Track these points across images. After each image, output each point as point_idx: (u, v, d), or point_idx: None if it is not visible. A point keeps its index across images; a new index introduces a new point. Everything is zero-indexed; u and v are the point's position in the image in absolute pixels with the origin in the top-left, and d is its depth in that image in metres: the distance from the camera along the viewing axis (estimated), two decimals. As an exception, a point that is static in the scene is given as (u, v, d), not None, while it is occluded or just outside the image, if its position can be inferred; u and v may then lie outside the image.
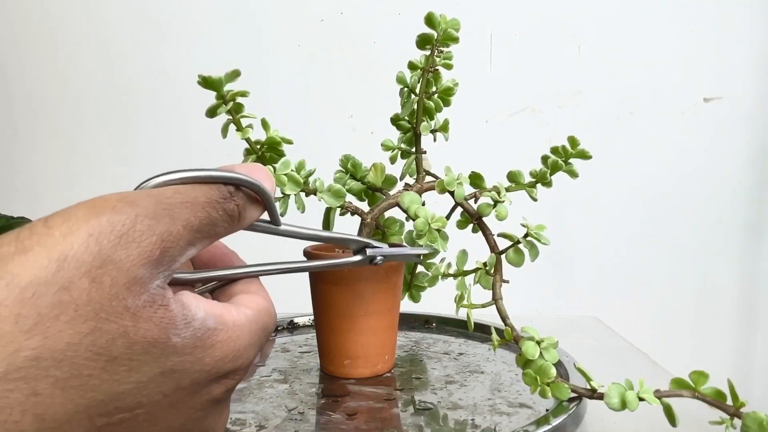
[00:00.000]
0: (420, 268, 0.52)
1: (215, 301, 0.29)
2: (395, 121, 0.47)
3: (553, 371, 0.40)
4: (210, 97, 0.43)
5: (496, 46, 1.12)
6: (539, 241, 0.43)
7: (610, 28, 1.11)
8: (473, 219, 0.45)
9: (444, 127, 0.48)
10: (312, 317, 0.66)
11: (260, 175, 0.31)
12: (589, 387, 0.40)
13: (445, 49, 0.43)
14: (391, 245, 0.50)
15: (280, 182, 0.45)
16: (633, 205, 1.12)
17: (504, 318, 0.44)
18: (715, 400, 0.36)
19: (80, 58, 1.12)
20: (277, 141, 0.45)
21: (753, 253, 1.12)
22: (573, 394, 0.41)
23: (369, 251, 0.40)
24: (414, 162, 0.48)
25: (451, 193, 0.45)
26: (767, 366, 1.13)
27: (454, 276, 0.47)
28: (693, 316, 1.13)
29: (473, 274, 0.46)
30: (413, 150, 0.47)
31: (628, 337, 0.67)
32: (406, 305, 0.53)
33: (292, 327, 0.64)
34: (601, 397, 0.38)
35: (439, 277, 0.48)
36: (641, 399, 0.37)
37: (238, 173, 0.29)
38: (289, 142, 0.46)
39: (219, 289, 0.33)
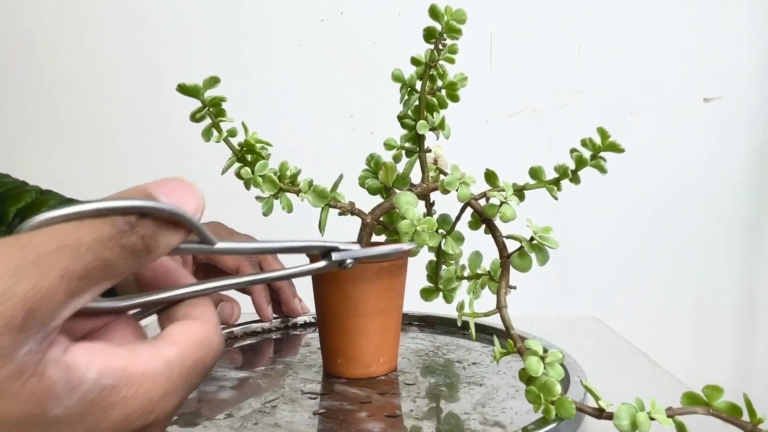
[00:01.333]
0: (443, 268, 0.50)
1: (119, 350, 0.24)
2: (401, 119, 0.46)
3: (558, 388, 0.37)
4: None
5: (496, 46, 1.11)
6: (545, 244, 0.40)
7: (610, 28, 1.10)
8: (482, 220, 0.43)
9: (441, 125, 0.46)
10: None
11: (179, 193, 0.26)
12: (597, 406, 0.37)
13: (449, 42, 0.41)
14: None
15: (256, 183, 0.45)
16: (633, 205, 1.12)
17: (508, 328, 0.40)
18: (732, 416, 0.34)
19: (81, 57, 1.12)
20: (252, 144, 0.45)
21: (753, 253, 1.12)
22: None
23: (335, 255, 0.37)
24: (416, 161, 0.47)
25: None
26: (767, 366, 1.13)
27: (468, 278, 0.45)
28: (693, 316, 1.13)
29: (479, 280, 0.44)
30: (418, 149, 0.47)
31: (628, 337, 0.67)
32: (447, 308, 0.52)
33: None
34: (610, 417, 0.36)
35: (453, 279, 0.46)
36: (652, 419, 0.34)
37: (141, 200, 0.24)
38: (269, 144, 0.46)
39: (164, 311, 0.30)
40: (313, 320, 0.64)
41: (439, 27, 0.41)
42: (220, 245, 0.30)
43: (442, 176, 0.46)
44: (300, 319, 0.64)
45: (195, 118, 0.44)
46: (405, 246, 0.41)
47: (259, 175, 0.45)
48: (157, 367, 0.25)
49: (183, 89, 0.42)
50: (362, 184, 0.48)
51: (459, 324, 0.45)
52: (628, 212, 1.12)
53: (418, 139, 0.46)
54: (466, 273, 0.45)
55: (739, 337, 1.13)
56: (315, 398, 0.44)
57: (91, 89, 1.12)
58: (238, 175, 0.46)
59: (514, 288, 0.42)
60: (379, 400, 0.44)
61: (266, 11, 1.10)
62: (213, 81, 0.42)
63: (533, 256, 0.41)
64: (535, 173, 0.42)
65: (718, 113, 1.10)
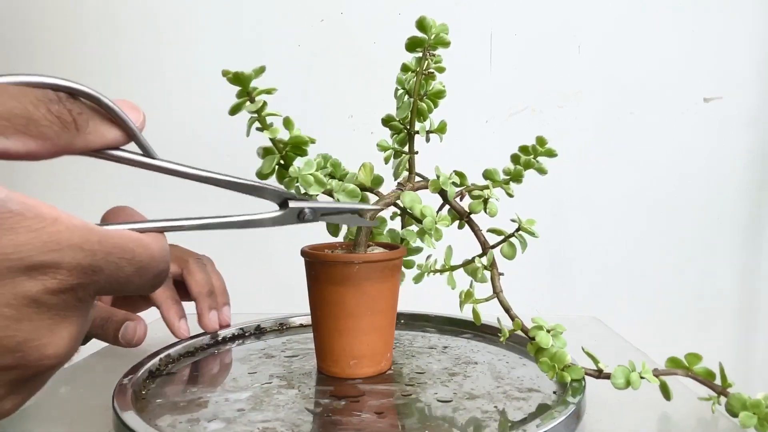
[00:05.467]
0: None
1: (37, 200, 0.25)
2: (387, 122, 0.49)
3: (569, 358, 0.43)
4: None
5: (496, 46, 1.12)
6: (531, 234, 0.46)
7: (610, 28, 1.11)
8: (463, 217, 0.48)
9: (441, 129, 0.49)
10: (297, 320, 0.66)
11: (120, 102, 0.29)
12: (596, 368, 0.43)
13: (436, 53, 0.45)
14: (381, 245, 0.51)
15: (306, 182, 0.44)
16: (633, 205, 1.13)
17: (507, 309, 0.46)
18: (706, 379, 0.42)
19: (81, 58, 1.12)
20: (304, 140, 0.44)
21: (753, 253, 1.12)
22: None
23: (293, 204, 0.35)
24: (406, 162, 0.49)
25: (443, 192, 0.47)
26: (767, 366, 1.13)
27: (441, 272, 0.49)
28: (693, 315, 1.14)
29: (464, 270, 0.48)
30: (405, 150, 0.49)
31: (627, 337, 0.67)
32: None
33: (259, 333, 0.62)
34: (607, 376, 0.42)
35: (426, 272, 0.50)
36: (642, 378, 0.41)
37: (73, 82, 0.27)
38: (313, 141, 0.45)
39: None
40: (240, 332, 0.61)
41: (426, 38, 0.44)
42: (163, 163, 0.31)
43: (417, 177, 0.50)
44: (227, 332, 0.60)
45: (239, 110, 0.42)
46: (367, 205, 0.42)
47: (309, 174, 0.44)
48: (76, 222, 0.26)
49: (236, 78, 0.40)
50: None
51: (462, 311, 0.49)
52: (628, 212, 1.13)
53: (409, 141, 0.48)
54: (438, 266, 0.49)
55: (739, 337, 1.13)
56: (357, 401, 0.44)
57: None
58: (277, 172, 0.44)
59: (502, 274, 0.47)
60: (417, 390, 0.46)
61: (266, 11, 1.11)
62: (260, 71, 0.40)
63: (518, 245, 0.47)
64: (489, 174, 0.49)
65: (718, 113, 1.10)
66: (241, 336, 0.61)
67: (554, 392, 0.45)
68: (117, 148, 0.30)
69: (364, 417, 0.41)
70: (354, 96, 1.13)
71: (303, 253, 0.48)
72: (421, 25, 0.43)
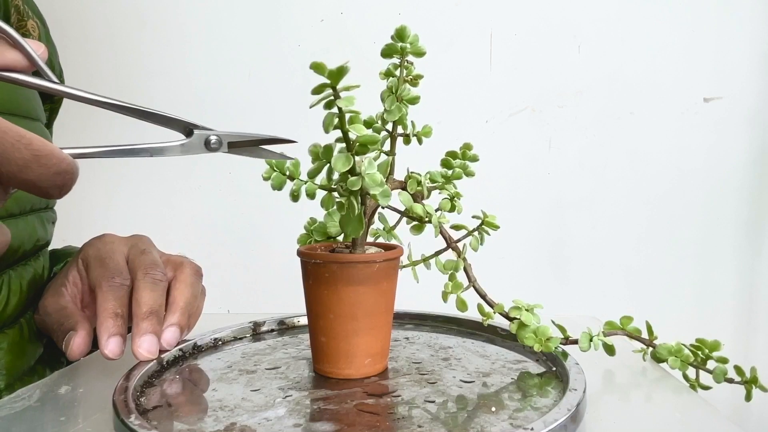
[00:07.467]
0: None
1: None
2: (369, 125, 0.51)
3: (550, 331, 0.49)
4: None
5: (496, 46, 1.12)
6: (494, 227, 0.51)
7: (610, 28, 1.11)
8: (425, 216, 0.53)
9: (426, 133, 0.52)
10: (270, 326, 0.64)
11: (31, 41, 0.33)
12: (564, 336, 0.51)
13: (411, 62, 0.48)
14: (370, 244, 0.52)
15: (374, 181, 0.42)
16: (633, 205, 1.13)
17: (483, 296, 0.51)
18: (635, 334, 0.53)
19: (74, 59, 1.12)
20: (376, 139, 0.43)
21: (753, 252, 1.13)
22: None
23: (198, 131, 0.37)
24: (388, 163, 0.52)
25: (419, 192, 0.51)
26: (767, 366, 1.13)
27: (402, 267, 0.52)
28: (692, 316, 1.14)
29: (438, 265, 0.53)
30: (387, 151, 0.52)
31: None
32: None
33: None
34: (575, 342, 0.50)
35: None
36: (600, 341, 0.51)
37: None
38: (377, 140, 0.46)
39: None
40: (179, 352, 0.53)
41: (406, 46, 0.47)
42: (66, 88, 0.34)
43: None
44: (169, 355, 0.51)
45: (331, 106, 0.40)
46: (270, 135, 0.42)
47: (376, 174, 0.43)
48: None
49: (339, 71, 0.38)
50: (277, 187, 0.49)
51: (445, 302, 0.52)
52: (628, 211, 1.13)
53: (391, 143, 0.51)
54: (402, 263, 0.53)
55: (739, 337, 1.14)
56: (399, 395, 0.44)
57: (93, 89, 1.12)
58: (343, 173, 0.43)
59: (470, 265, 0.52)
60: (435, 377, 0.48)
61: (266, 11, 1.11)
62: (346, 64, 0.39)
63: (478, 237, 0.52)
64: (433, 177, 0.53)
65: (718, 113, 1.11)
66: (182, 358, 0.53)
67: (536, 360, 0.51)
68: (21, 72, 0.33)
69: (423, 407, 0.41)
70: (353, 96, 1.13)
71: (299, 252, 0.48)
72: (400, 34, 0.47)
